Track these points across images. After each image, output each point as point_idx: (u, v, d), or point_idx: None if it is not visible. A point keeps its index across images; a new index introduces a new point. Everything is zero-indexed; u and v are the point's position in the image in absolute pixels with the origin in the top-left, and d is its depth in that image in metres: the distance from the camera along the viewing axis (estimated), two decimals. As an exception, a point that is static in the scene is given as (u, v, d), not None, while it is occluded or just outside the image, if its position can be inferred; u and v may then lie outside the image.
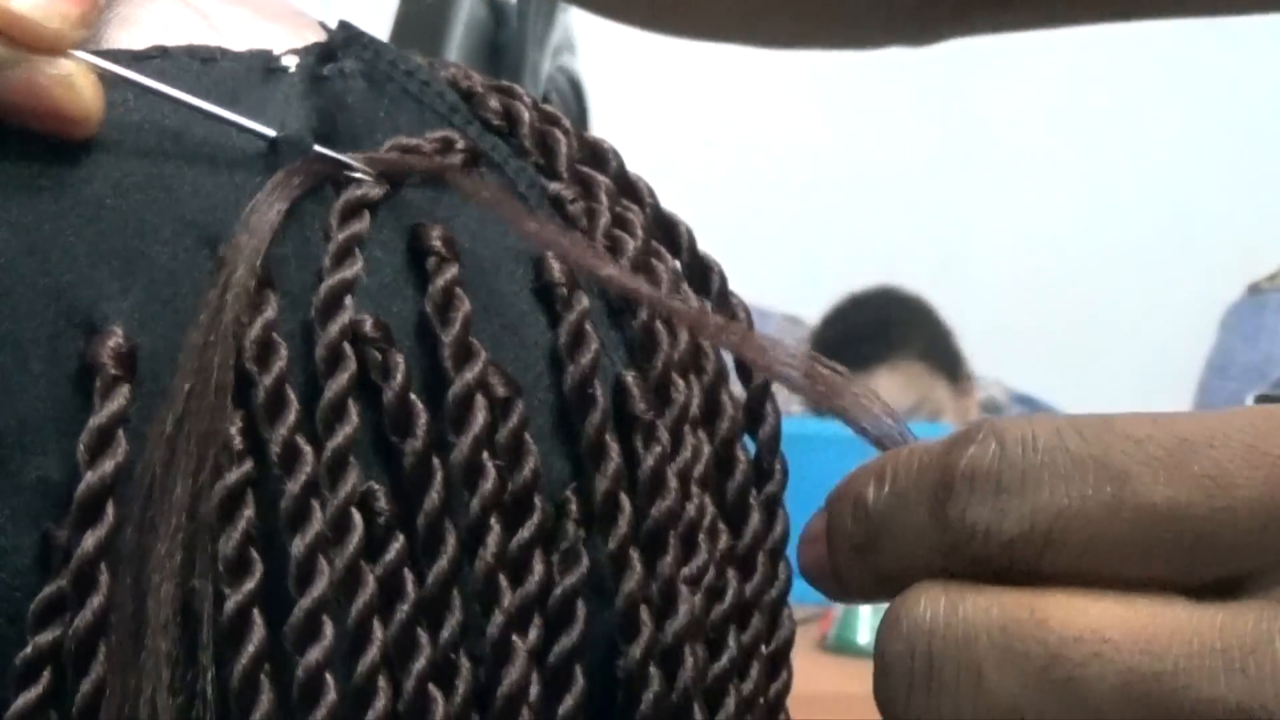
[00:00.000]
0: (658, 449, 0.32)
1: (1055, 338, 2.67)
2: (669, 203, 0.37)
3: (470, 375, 0.30)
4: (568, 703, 0.30)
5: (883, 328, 2.17)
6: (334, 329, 0.30)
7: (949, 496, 0.27)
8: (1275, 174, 2.73)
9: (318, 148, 0.32)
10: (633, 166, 0.37)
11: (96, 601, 0.28)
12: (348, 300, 0.30)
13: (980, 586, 0.26)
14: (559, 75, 1.27)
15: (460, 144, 0.33)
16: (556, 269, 0.33)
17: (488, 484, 0.30)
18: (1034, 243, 2.74)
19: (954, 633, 0.26)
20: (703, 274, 0.36)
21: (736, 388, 0.35)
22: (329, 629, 0.28)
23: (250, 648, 0.28)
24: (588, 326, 0.32)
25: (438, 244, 0.31)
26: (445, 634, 0.30)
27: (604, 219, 0.34)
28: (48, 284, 0.29)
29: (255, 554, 0.29)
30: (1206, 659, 0.25)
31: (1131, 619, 0.25)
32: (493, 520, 0.30)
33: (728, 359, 0.35)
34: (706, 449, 0.34)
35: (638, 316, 0.34)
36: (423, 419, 0.30)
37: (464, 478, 0.30)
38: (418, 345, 0.31)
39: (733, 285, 0.37)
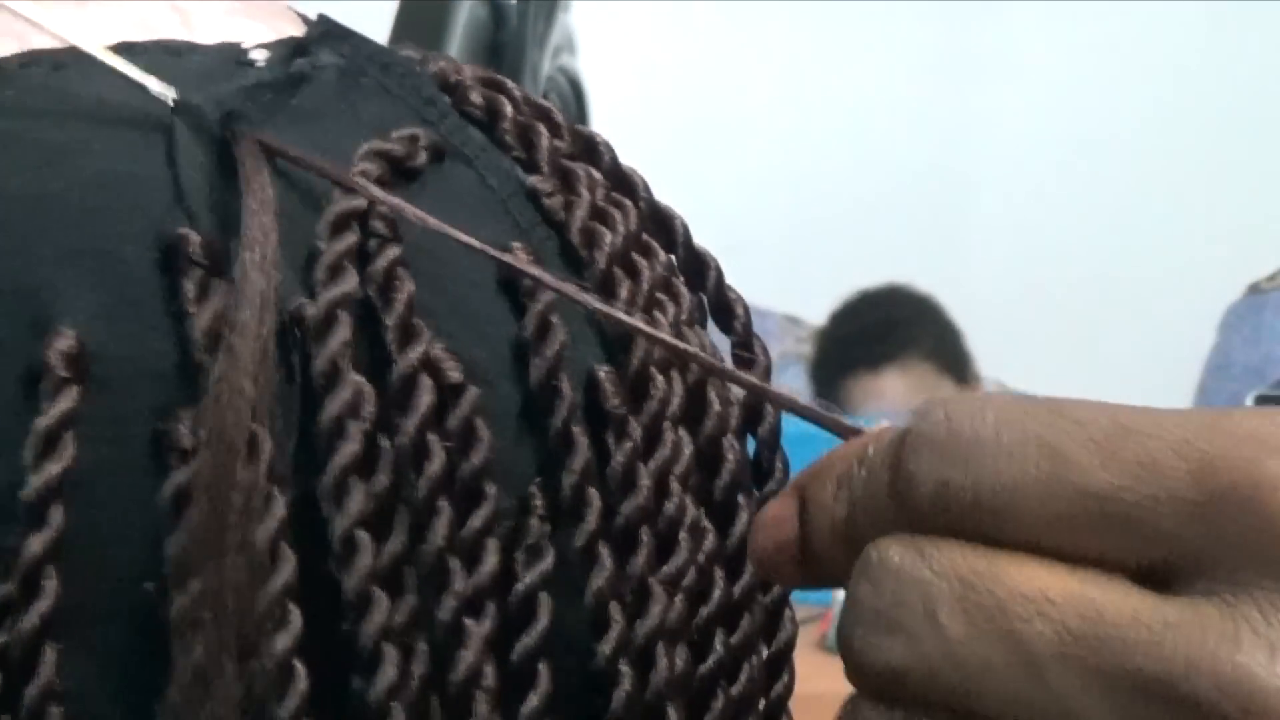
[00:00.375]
0: (629, 445, 0.32)
1: (1055, 338, 2.67)
2: (670, 203, 0.37)
3: (414, 355, 0.30)
4: (532, 701, 0.30)
5: (891, 327, 2.16)
6: (329, 346, 0.29)
7: (901, 467, 0.28)
8: (1275, 174, 2.73)
9: (258, 134, 0.31)
10: (634, 166, 0.36)
11: (44, 606, 0.27)
12: (342, 315, 0.30)
13: (949, 541, 0.28)
14: (559, 75, 1.27)
15: (424, 141, 0.33)
16: (522, 261, 0.32)
17: (434, 466, 0.30)
18: (1034, 242, 2.74)
19: (917, 576, 0.27)
20: (699, 268, 0.36)
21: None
22: (296, 616, 0.28)
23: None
24: (554, 318, 0.32)
25: (379, 225, 0.31)
26: (399, 617, 0.29)
27: (581, 212, 0.34)
28: (3, 285, 0.29)
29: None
30: (1133, 630, 0.26)
31: (1075, 587, 0.27)
32: (441, 502, 0.30)
33: (726, 357, 0.35)
34: (689, 447, 0.33)
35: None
36: (369, 401, 0.29)
37: (410, 459, 0.30)
38: (364, 330, 0.31)
39: (732, 285, 0.37)
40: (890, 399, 2.10)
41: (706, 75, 2.81)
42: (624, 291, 0.33)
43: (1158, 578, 0.27)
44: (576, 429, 0.31)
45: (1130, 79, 2.76)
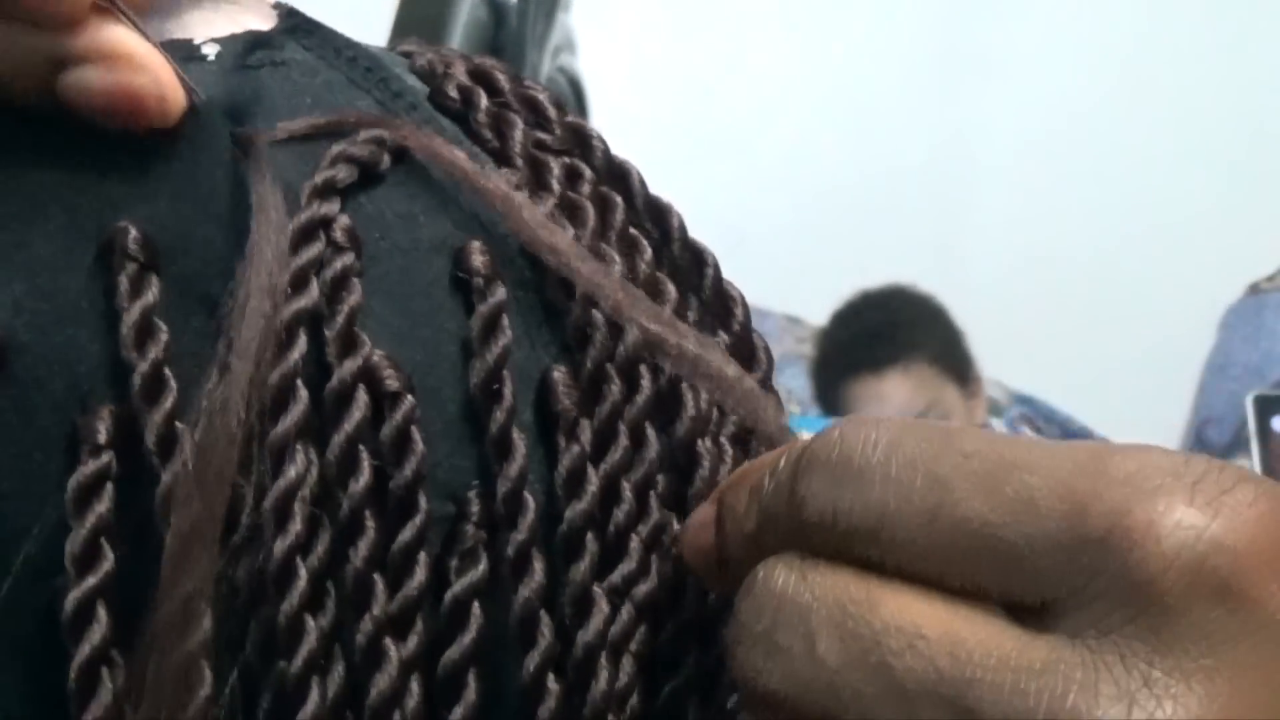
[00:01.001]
0: (576, 449, 0.31)
1: (1055, 338, 2.66)
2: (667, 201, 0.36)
3: (351, 367, 0.30)
4: (457, 713, 0.29)
5: (895, 329, 2.15)
6: (290, 360, 0.29)
7: (796, 486, 0.29)
8: (1275, 174, 2.73)
9: (239, 130, 0.30)
10: (627, 159, 0.36)
11: None
12: (301, 335, 0.29)
13: (832, 565, 0.28)
14: (559, 75, 1.27)
15: (391, 140, 0.32)
16: (476, 259, 0.32)
17: (360, 482, 0.29)
18: (1034, 243, 2.73)
19: (798, 601, 0.28)
20: (696, 263, 0.35)
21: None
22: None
23: (91, 643, 0.27)
24: (503, 319, 0.31)
25: (338, 233, 0.31)
26: (314, 633, 0.29)
27: (546, 205, 0.33)
28: None
29: (106, 548, 0.28)
30: (999, 674, 0.26)
31: (948, 623, 0.27)
32: (367, 520, 0.29)
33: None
34: (655, 448, 0.32)
35: (572, 311, 0.32)
36: (299, 408, 0.29)
37: (336, 474, 0.29)
38: (314, 337, 0.30)
39: (731, 282, 0.36)
40: (893, 401, 2.10)
41: (706, 75, 2.80)
42: (580, 286, 0.33)
43: (1032, 612, 0.27)
44: (516, 434, 0.31)
45: (1130, 79, 2.76)
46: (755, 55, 2.80)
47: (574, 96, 1.31)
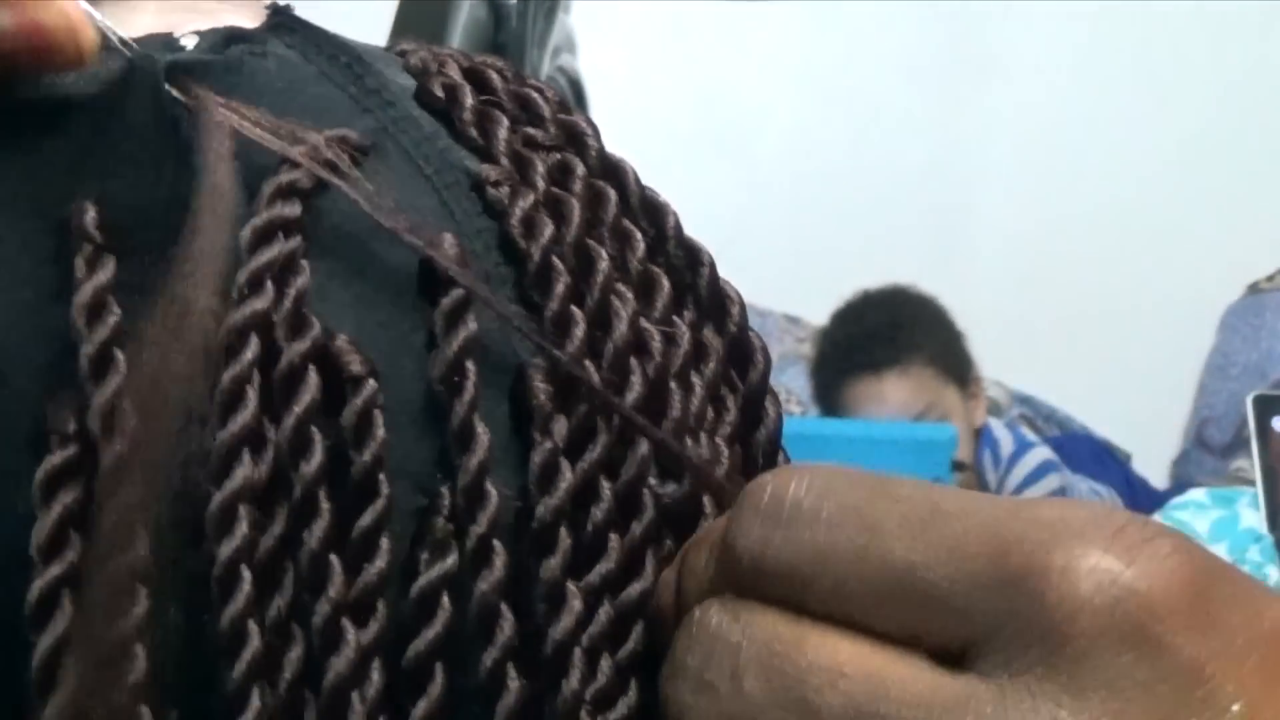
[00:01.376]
0: (549, 444, 0.31)
1: (1055, 338, 2.66)
2: (667, 202, 0.36)
3: (300, 348, 0.29)
4: (421, 706, 0.29)
5: (894, 330, 2.14)
6: (242, 363, 0.29)
7: (729, 526, 0.30)
8: (1275, 174, 2.73)
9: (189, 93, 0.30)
10: (622, 156, 0.36)
11: None
12: (254, 339, 0.29)
13: (764, 606, 0.29)
14: (559, 75, 1.27)
15: (354, 140, 0.32)
16: (449, 251, 0.31)
17: (312, 464, 0.29)
18: (1034, 242, 2.74)
19: (729, 639, 0.29)
20: (691, 261, 0.35)
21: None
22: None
23: (53, 634, 0.27)
24: (468, 311, 0.31)
25: (285, 221, 0.30)
26: (270, 614, 0.29)
27: (524, 202, 0.33)
28: None
29: (73, 537, 0.28)
30: (913, 710, 0.27)
31: (870, 662, 0.28)
32: (321, 501, 0.29)
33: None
34: (642, 448, 0.32)
35: (549, 305, 0.32)
36: (250, 399, 0.29)
37: (289, 455, 0.29)
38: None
39: (728, 280, 0.36)
40: (891, 403, 2.09)
41: (706, 75, 2.80)
42: (561, 285, 0.32)
43: (956, 655, 0.28)
44: (478, 425, 0.30)
45: (1131, 79, 2.76)
46: (755, 55, 2.80)
47: (574, 96, 1.31)
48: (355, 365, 0.30)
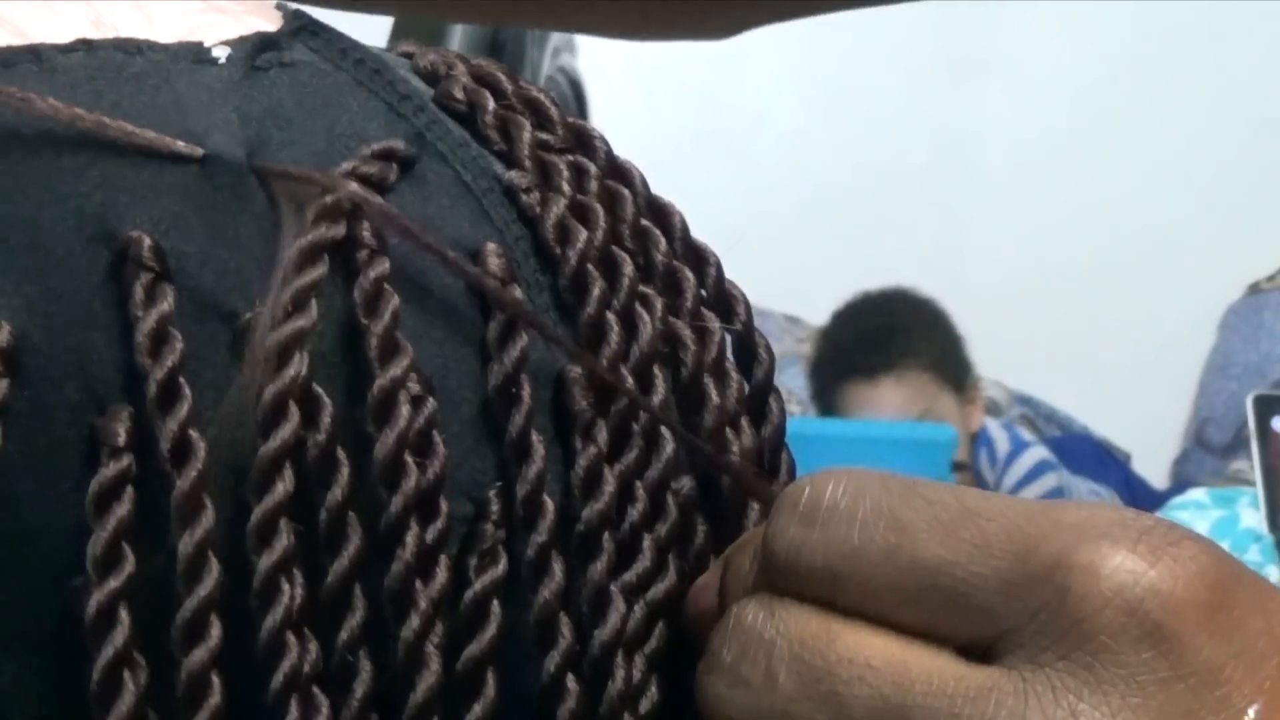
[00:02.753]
0: (593, 449, 0.31)
1: (1055, 338, 2.66)
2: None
3: (396, 370, 0.30)
4: (475, 711, 0.30)
5: (890, 336, 2.13)
6: (284, 379, 0.29)
7: (766, 529, 0.31)
8: (1275, 174, 2.73)
9: (259, 162, 0.31)
10: (629, 160, 0.36)
11: None
12: (297, 356, 0.30)
13: (798, 604, 0.30)
14: (559, 75, 1.27)
15: (401, 151, 0.32)
16: (492, 261, 0.32)
17: (410, 482, 0.30)
18: (1034, 243, 2.74)
19: (763, 635, 0.30)
20: (697, 263, 0.35)
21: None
22: (216, 629, 0.28)
23: (113, 645, 0.28)
24: (519, 322, 0.32)
25: (367, 236, 0.31)
26: (345, 634, 0.29)
27: (556, 209, 0.33)
28: None
29: (127, 550, 0.28)
30: (937, 700, 0.28)
31: (897, 655, 0.29)
32: (412, 520, 0.30)
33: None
34: (669, 447, 0.33)
35: (585, 310, 0.33)
36: (328, 412, 0.29)
37: (384, 476, 0.30)
38: (341, 340, 0.30)
39: (733, 281, 0.36)
40: (886, 409, 2.09)
41: (706, 75, 2.80)
42: (596, 290, 0.33)
43: (981, 651, 0.29)
44: (534, 436, 0.31)
45: (1130, 79, 2.76)
46: (755, 55, 2.80)
47: (574, 96, 1.31)
48: (413, 385, 0.30)
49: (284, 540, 0.29)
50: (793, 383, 2.45)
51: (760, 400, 0.35)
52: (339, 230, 0.31)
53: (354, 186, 0.31)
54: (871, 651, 0.29)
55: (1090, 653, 0.27)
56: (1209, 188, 2.73)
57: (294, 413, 0.29)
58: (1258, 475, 1.64)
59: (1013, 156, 2.78)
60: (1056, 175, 2.76)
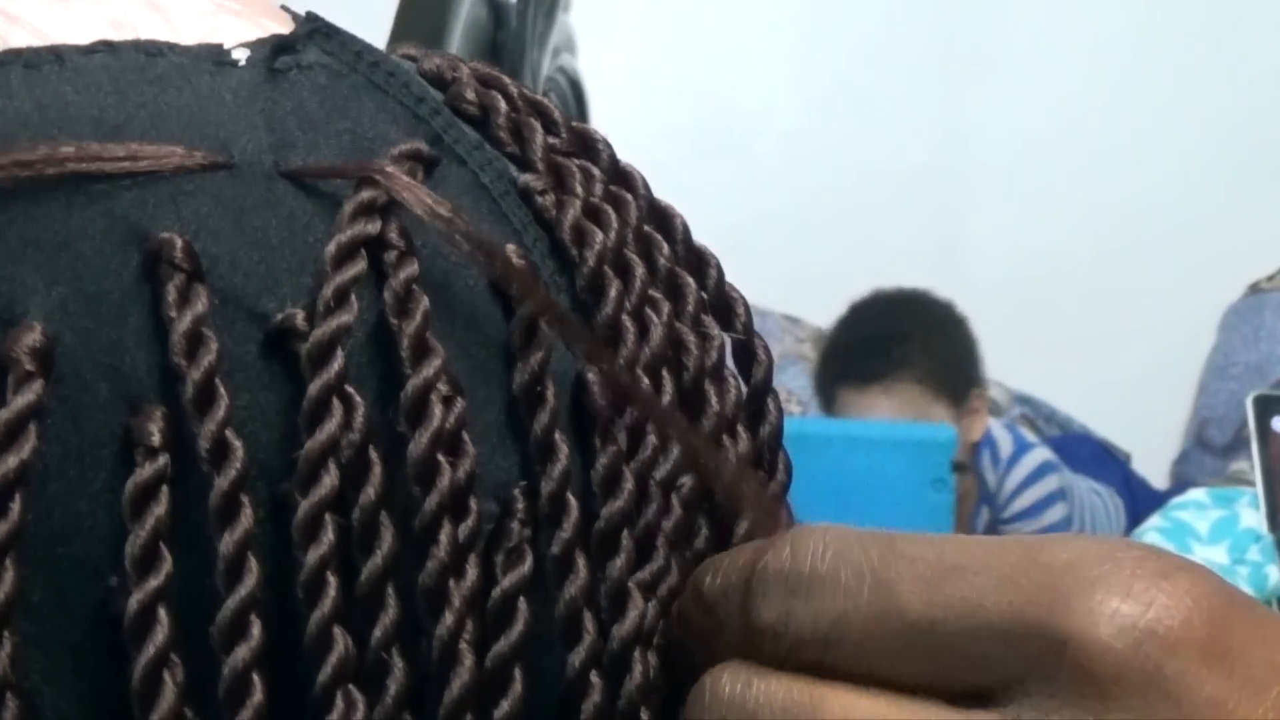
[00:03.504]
0: (613, 449, 0.32)
1: (1055, 338, 2.67)
2: (670, 203, 0.37)
3: (428, 371, 0.30)
4: (504, 707, 0.30)
5: (887, 344, 2.11)
6: (329, 374, 0.29)
7: (750, 596, 0.31)
8: (1275, 174, 2.73)
9: (287, 165, 0.31)
10: (631, 164, 0.36)
11: (1, 596, 0.27)
12: (339, 351, 0.30)
13: (776, 672, 0.30)
14: (559, 75, 1.27)
15: (426, 153, 0.33)
16: (517, 264, 0.32)
17: (443, 481, 0.30)
18: (1034, 243, 2.74)
19: (744, 707, 0.30)
20: (698, 266, 0.36)
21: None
22: (257, 628, 0.28)
23: (154, 645, 0.28)
24: (540, 323, 0.32)
25: (395, 238, 0.31)
26: (379, 633, 0.29)
27: (572, 211, 0.34)
28: None
29: (164, 550, 0.28)
30: None
31: (891, 713, 0.29)
32: (445, 520, 0.30)
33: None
34: (676, 449, 0.33)
35: (603, 311, 0.33)
36: (360, 413, 0.30)
37: (418, 475, 0.30)
38: (371, 341, 0.31)
39: (732, 283, 0.36)
40: (875, 416, 2.08)
41: (705, 75, 2.81)
42: (613, 291, 0.33)
43: (976, 698, 0.28)
44: (559, 436, 0.31)
45: (1131, 79, 2.76)
46: (755, 55, 2.80)
47: (574, 96, 1.31)
48: (443, 386, 0.30)
49: (329, 535, 0.29)
50: (793, 383, 2.45)
51: (758, 401, 0.35)
52: (375, 226, 0.31)
53: (394, 173, 0.31)
54: (863, 713, 0.29)
55: (1095, 698, 0.27)
56: (1209, 188, 2.73)
57: (337, 408, 0.29)
58: (1258, 475, 1.64)
59: (1013, 157, 2.78)
60: (1056, 175, 2.76)
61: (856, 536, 0.30)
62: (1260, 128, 2.74)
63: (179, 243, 0.29)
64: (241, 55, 0.32)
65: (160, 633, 0.28)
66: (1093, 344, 2.68)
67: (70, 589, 0.28)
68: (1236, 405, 2.34)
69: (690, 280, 0.35)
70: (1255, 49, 2.75)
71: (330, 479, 0.29)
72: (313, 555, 0.29)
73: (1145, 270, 2.71)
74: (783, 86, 2.82)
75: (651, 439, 0.33)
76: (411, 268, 0.31)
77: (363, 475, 0.30)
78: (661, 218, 0.36)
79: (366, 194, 0.31)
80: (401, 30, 1.04)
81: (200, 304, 0.29)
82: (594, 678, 0.31)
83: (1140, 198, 2.73)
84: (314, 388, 0.29)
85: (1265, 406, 1.66)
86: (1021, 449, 2.18)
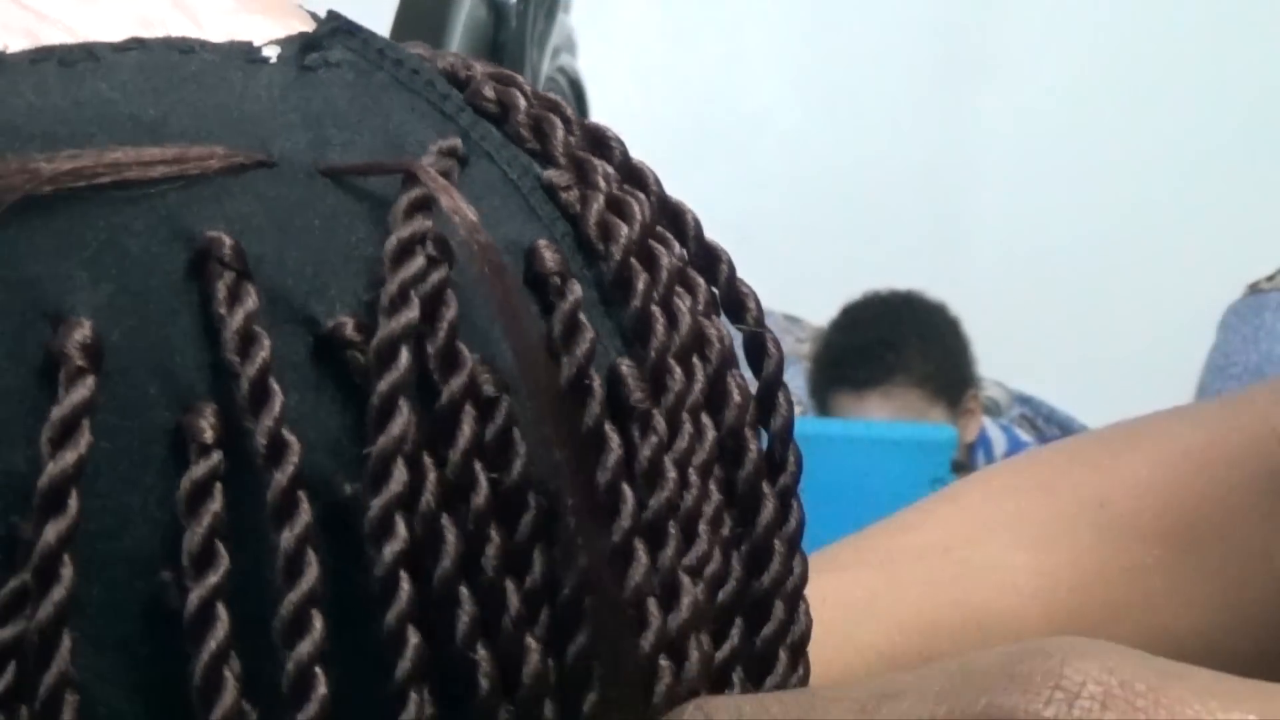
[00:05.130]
0: (654, 439, 0.32)
1: (1055, 338, 2.67)
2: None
3: (456, 384, 0.30)
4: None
5: (883, 348, 2.11)
6: (397, 372, 0.30)
7: None
8: (1275, 174, 2.73)
9: (327, 163, 0.31)
10: (642, 160, 0.36)
11: (59, 594, 0.27)
12: (405, 350, 0.30)
13: None
14: (559, 75, 1.27)
15: (461, 150, 0.33)
16: (549, 257, 0.32)
17: (480, 494, 0.30)
18: (1034, 242, 2.74)
19: None
20: (710, 262, 0.36)
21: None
22: (319, 622, 0.28)
23: (214, 641, 0.28)
24: (581, 316, 0.32)
25: (429, 245, 0.31)
26: (460, 630, 0.30)
27: (597, 205, 0.34)
28: (12, 275, 0.29)
29: (221, 547, 0.28)
30: None
31: None
32: (491, 528, 0.30)
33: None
34: (710, 435, 0.34)
35: (632, 304, 0.33)
36: (400, 422, 0.30)
37: (456, 488, 0.30)
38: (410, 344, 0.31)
39: (743, 279, 0.37)
40: (872, 420, 2.08)
41: (705, 75, 2.81)
42: (640, 284, 0.33)
43: None
44: (608, 426, 0.32)
45: (1131, 79, 2.76)
46: (755, 55, 2.81)
47: (574, 96, 1.31)
48: (488, 387, 0.31)
49: (402, 533, 0.29)
50: (793, 382, 2.45)
51: (770, 393, 0.36)
52: (428, 223, 0.31)
53: (432, 171, 0.31)
54: None
55: None
56: (1209, 187, 2.73)
57: (405, 406, 0.29)
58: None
59: (1012, 156, 2.78)
60: (1056, 175, 2.76)
61: (772, 702, 0.31)
62: (1260, 127, 2.74)
63: (228, 241, 0.30)
64: (272, 53, 0.33)
65: (220, 629, 0.28)
66: (1093, 344, 2.68)
67: (120, 585, 0.28)
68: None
69: (700, 278, 0.35)
70: (1255, 49, 2.75)
71: (401, 476, 0.29)
72: (388, 551, 0.29)
73: (1145, 270, 2.71)
74: (783, 86, 2.82)
75: (688, 427, 0.33)
76: (440, 273, 0.31)
77: (420, 478, 0.30)
78: (674, 214, 0.36)
79: (417, 191, 0.31)
80: (401, 30, 1.04)
81: (251, 301, 0.29)
82: (663, 660, 0.31)
83: (1140, 198, 2.73)
84: (384, 384, 0.29)
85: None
86: (1016, 449, 2.19)
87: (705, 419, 0.34)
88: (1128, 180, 2.74)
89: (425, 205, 0.31)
